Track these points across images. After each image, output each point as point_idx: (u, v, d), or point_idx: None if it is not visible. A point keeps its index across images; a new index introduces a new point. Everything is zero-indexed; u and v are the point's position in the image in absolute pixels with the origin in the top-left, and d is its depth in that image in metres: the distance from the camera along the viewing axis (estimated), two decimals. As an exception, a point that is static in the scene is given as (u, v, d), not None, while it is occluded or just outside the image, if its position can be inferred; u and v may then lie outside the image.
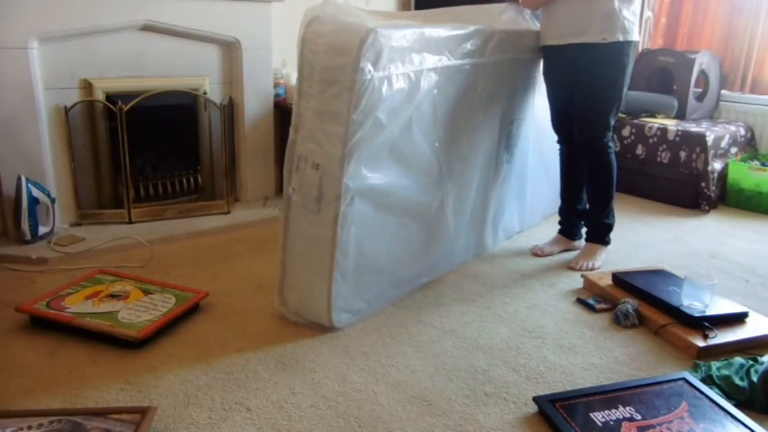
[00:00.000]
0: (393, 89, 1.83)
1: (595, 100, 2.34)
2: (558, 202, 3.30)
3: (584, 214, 2.68)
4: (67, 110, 2.62)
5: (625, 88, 2.37)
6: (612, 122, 2.39)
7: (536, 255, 2.64)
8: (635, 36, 2.29)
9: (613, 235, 2.57)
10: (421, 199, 2.13)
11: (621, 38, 2.25)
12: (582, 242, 2.71)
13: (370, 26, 1.71)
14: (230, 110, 3.06)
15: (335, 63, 1.72)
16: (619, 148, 3.74)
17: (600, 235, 2.57)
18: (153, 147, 3.08)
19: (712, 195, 3.40)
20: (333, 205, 1.80)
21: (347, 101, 1.72)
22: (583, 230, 2.72)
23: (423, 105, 2.00)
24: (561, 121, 2.54)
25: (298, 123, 1.86)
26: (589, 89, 2.33)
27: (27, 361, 1.73)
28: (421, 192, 2.12)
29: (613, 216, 2.56)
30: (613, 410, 1.54)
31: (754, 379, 1.65)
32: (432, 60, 1.99)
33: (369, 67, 1.72)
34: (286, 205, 1.92)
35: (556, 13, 2.34)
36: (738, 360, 1.78)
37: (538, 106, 2.77)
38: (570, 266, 2.50)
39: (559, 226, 2.76)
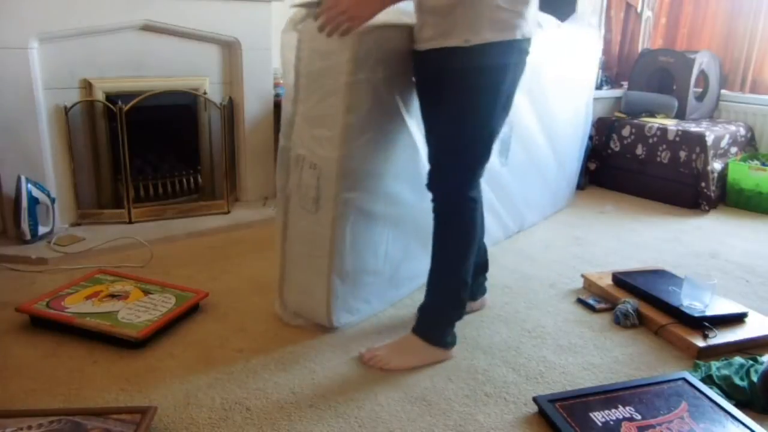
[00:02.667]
0: (384, 91, 1.82)
1: (455, 131, 1.65)
2: (555, 202, 3.31)
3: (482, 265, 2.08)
4: (67, 110, 2.62)
5: (507, 113, 1.70)
6: (481, 166, 1.70)
7: None
8: (520, 32, 1.60)
9: (613, 235, 2.52)
10: (418, 200, 2.12)
11: (490, 38, 1.56)
12: (480, 301, 2.13)
13: (365, 29, 1.69)
14: (230, 110, 3.06)
15: (321, 67, 1.71)
16: (618, 148, 3.75)
17: (427, 327, 1.80)
18: (153, 147, 3.07)
19: (712, 195, 3.40)
20: (330, 206, 1.80)
21: (335, 105, 1.72)
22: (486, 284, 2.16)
23: (415, 107, 1.99)
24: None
25: (288, 129, 1.86)
26: (448, 114, 1.65)
27: (27, 361, 1.73)
28: (418, 193, 2.11)
29: (456, 306, 1.79)
30: (613, 410, 1.54)
31: (754, 379, 1.65)
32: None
33: (356, 69, 1.70)
34: (284, 207, 1.92)
35: (420, 4, 1.66)
36: (738, 360, 1.78)
37: (537, 108, 2.77)
38: (360, 354, 1.81)
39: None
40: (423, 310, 1.82)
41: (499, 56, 1.60)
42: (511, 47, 1.61)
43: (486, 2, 1.55)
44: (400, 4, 1.60)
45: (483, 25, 1.56)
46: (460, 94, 1.63)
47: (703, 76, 3.82)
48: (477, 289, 2.07)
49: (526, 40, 1.65)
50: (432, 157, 1.72)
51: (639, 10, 4.13)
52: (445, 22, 1.60)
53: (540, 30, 2.74)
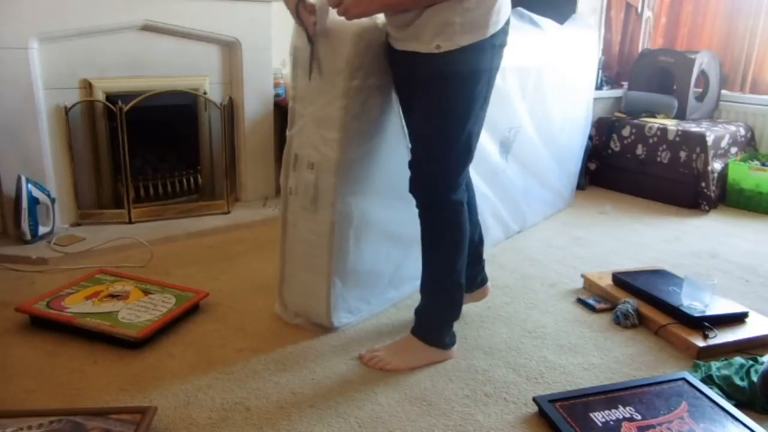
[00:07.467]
0: (390, 94, 1.83)
1: (432, 135, 1.62)
2: (556, 202, 3.31)
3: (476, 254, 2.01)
4: (67, 110, 2.61)
5: (485, 112, 1.66)
6: (462, 169, 1.67)
7: None
8: (494, 26, 1.54)
9: (613, 235, 2.52)
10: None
11: (462, 42, 1.51)
12: (478, 293, 2.08)
13: (367, 32, 1.70)
14: (230, 110, 3.06)
15: (332, 68, 1.72)
16: (619, 148, 3.74)
17: (425, 329, 1.80)
18: (153, 147, 3.07)
19: (712, 195, 3.40)
20: (330, 206, 1.80)
21: (343, 107, 1.72)
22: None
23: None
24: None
25: (293, 125, 1.86)
26: (423, 118, 1.63)
27: (27, 361, 1.73)
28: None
29: (452, 307, 1.80)
30: (613, 410, 1.54)
31: (754, 379, 1.65)
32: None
33: (365, 72, 1.71)
34: (285, 207, 1.92)
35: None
36: (738, 360, 1.78)
37: (537, 109, 2.77)
38: (360, 355, 1.81)
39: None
40: (419, 312, 1.81)
41: (472, 60, 1.54)
42: (485, 46, 1.55)
43: (455, 8, 1.50)
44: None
45: (454, 30, 1.51)
46: (435, 99, 1.59)
47: (703, 76, 3.82)
48: (471, 282, 1.99)
49: (501, 31, 1.58)
50: (412, 161, 1.69)
51: (639, 10, 4.13)
52: (410, 27, 1.57)
53: (540, 32, 2.75)
